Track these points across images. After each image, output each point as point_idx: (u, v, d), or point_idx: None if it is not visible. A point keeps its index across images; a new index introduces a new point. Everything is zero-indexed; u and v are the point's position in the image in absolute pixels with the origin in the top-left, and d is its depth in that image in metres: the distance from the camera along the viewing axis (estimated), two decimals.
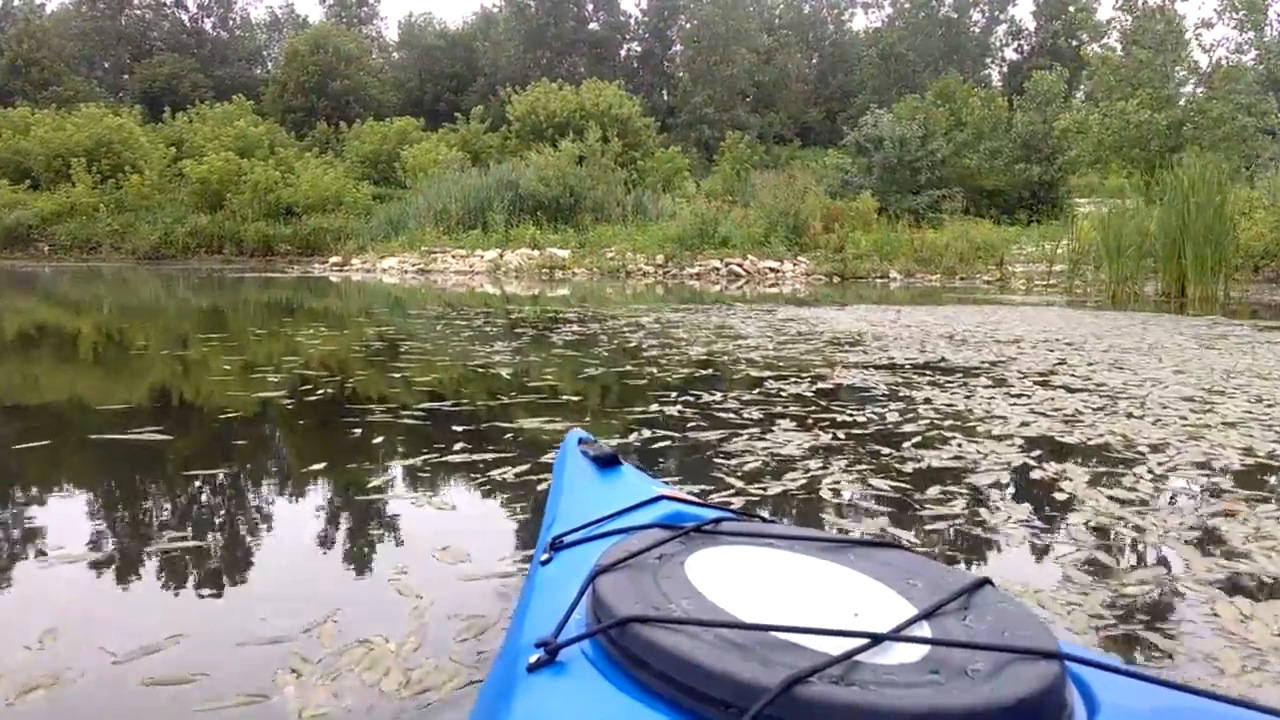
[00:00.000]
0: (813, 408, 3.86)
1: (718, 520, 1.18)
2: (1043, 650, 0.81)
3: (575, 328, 7.36)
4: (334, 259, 20.48)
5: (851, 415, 3.69)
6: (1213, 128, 18.88)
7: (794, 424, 3.51)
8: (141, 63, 49.91)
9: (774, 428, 3.43)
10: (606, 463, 1.55)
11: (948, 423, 3.54)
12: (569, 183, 21.02)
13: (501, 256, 18.13)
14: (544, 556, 1.23)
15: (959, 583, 0.97)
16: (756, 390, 4.30)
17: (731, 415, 3.67)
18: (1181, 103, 19.95)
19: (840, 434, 3.33)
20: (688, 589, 0.95)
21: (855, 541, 1.14)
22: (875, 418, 3.65)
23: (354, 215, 25.59)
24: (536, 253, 18.10)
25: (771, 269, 16.32)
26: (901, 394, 4.21)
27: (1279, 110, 19.16)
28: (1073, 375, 4.78)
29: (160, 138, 30.74)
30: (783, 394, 4.21)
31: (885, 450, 3.08)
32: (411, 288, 13.92)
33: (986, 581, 0.98)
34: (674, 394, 4.19)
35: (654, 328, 7.36)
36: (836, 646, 0.81)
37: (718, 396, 4.10)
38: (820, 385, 4.47)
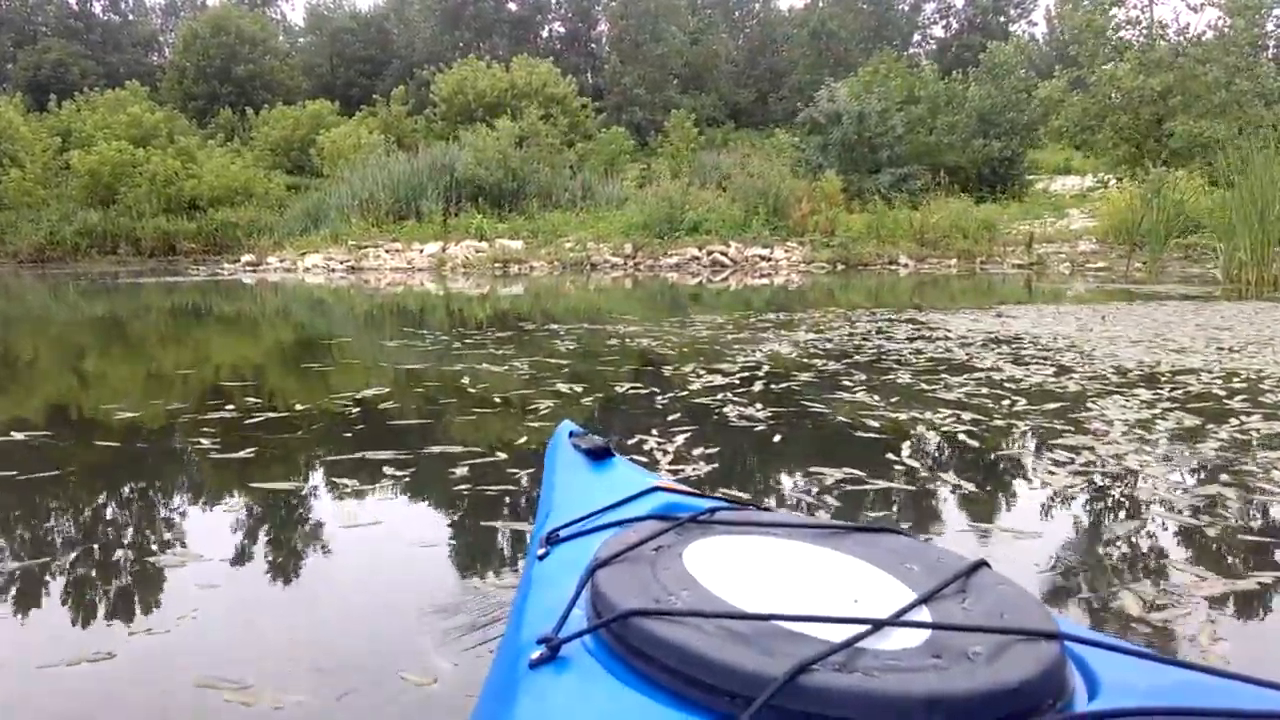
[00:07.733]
0: None
1: (713, 510, 1.12)
2: (1042, 631, 0.79)
3: (709, 377, 4.54)
4: (246, 258, 17.79)
5: None
6: (1206, 95, 17.63)
7: None
8: (25, 49, 45.90)
9: None
10: (598, 455, 1.46)
11: None
12: (511, 165, 18.77)
13: (445, 250, 15.85)
14: (540, 551, 1.16)
15: (956, 566, 0.94)
16: None
17: None
18: (1171, 70, 18.62)
19: None
20: (687, 580, 0.92)
21: (851, 527, 1.06)
22: None
23: (266, 208, 23.27)
24: (485, 245, 15.91)
25: (761, 257, 14.42)
26: None
27: (1276, 74, 17.93)
28: None
29: (44, 128, 27.46)
30: None
31: None
32: (350, 291, 11.72)
33: (983, 564, 0.94)
34: None
35: (864, 377, 4.51)
36: (838, 634, 0.79)
37: None
38: None
